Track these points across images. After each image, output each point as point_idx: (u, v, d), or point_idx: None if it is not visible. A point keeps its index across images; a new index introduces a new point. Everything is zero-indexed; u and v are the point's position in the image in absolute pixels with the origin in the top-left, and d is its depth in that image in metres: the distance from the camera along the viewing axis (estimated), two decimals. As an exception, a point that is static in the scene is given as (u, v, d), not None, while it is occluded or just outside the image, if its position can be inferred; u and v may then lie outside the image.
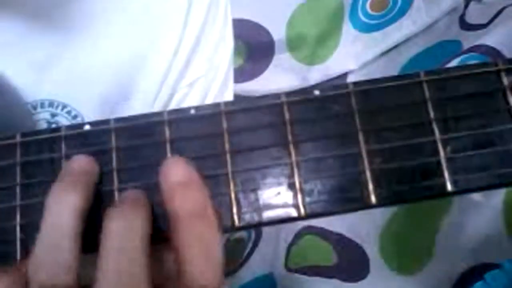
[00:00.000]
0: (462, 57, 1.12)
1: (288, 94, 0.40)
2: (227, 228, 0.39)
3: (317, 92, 0.40)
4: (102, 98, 0.65)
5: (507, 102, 0.39)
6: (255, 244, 1.18)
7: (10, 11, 0.59)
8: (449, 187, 0.37)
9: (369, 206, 0.38)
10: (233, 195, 0.39)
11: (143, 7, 0.66)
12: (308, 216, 0.38)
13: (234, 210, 0.39)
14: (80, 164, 0.41)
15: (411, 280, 0.99)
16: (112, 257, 0.37)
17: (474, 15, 1.30)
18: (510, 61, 0.39)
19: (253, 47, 1.39)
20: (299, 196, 0.39)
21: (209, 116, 0.41)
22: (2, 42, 0.60)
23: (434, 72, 0.39)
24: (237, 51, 1.30)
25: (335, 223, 1.11)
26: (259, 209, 0.39)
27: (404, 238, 1.04)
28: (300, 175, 0.39)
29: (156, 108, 0.68)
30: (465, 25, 1.30)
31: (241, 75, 1.36)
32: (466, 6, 1.35)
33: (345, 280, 1.04)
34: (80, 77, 0.64)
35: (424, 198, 0.38)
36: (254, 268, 1.14)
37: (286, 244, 1.12)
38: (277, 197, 0.39)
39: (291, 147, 0.39)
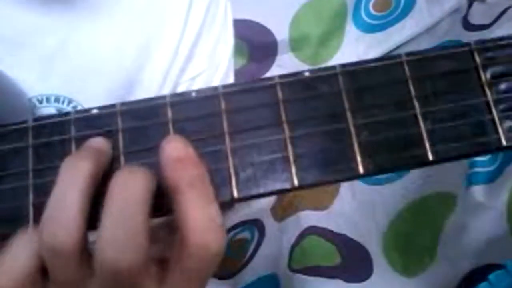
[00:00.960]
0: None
1: (281, 76, 0.43)
2: (228, 201, 0.42)
3: (307, 73, 0.43)
4: (107, 92, 0.67)
5: (480, 78, 0.42)
6: (258, 245, 1.18)
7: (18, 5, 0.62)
8: (430, 156, 0.40)
9: (357, 176, 0.41)
10: (232, 170, 0.42)
11: (146, 1, 0.69)
12: (301, 187, 0.41)
13: (233, 183, 0.42)
14: (97, 143, 0.43)
15: (415, 281, 0.98)
16: (115, 207, 0.39)
17: (477, 15, 1.30)
18: (482, 41, 0.43)
19: (256, 47, 1.39)
20: (293, 169, 0.42)
21: (209, 97, 0.44)
22: (10, 35, 0.62)
23: (414, 53, 0.43)
24: (239, 51, 1.30)
25: (338, 224, 1.11)
26: (256, 181, 0.42)
27: (407, 238, 1.03)
28: (293, 149, 0.42)
29: None
30: (468, 26, 1.31)
31: (244, 75, 1.37)
32: (469, 7, 1.35)
33: (348, 280, 1.04)
34: (85, 71, 0.66)
35: (407, 167, 0.42)
36: (257, 268, 1.13)
37: (289, 245, 1.11)
38: (272, 170, 0.42)
39: (285, 124, 0.42)
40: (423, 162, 0.40)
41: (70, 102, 0.65)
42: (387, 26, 1.43)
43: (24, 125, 0.45)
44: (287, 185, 0.41)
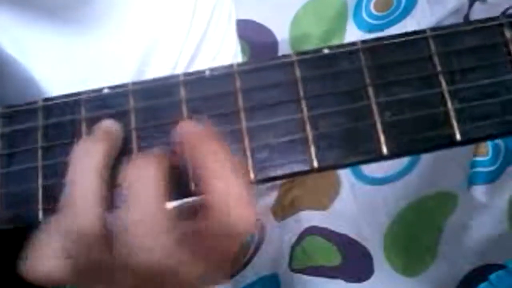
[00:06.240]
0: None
1: (299, 53, 0.42)
2: None
3: (326, 51, 0.42)
4: None
5: (509, 54, 0.40)
6: (259, 245, 1.17)
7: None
8: (457, 136, 0.39)
9: (381, 157, 0.39)
10: (248, 151, 0.41)
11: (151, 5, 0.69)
12: (321, 169, 0.40)
13: (250, 165, 0.40)
14: (109, 124, 0.42)
15: (415, 281, 0.98)
16: (131, 193, 0.38)
17: (478, 15, 1.30)
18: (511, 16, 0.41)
19: (257, 48, 1.38)
20: (312, 150, 0.40)
21: (223, 76, 0.42)
22: (26, 35, 0.62)
23: (439, 28, 0.41)
24: (240, 52, 1.30)
25: (339, 224, 1.11)
26: (273, 163, 0.40)
27: (408, 239, 1.03)
28: (312, 129, 0.40)
29: None
30: (469, 25, 1.30)
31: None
32: (470, 6, 1.35)
33: (349, 280, 1.03)
34: (99, 67, 0.66)
35: (434, 148, 0.39)
36: (257, 268, 1.13)
37: (290, 245, 1.11)
38: (290, 151, 0.40)
39: (303, 103, 0.41)
40: (450, 143, 0.39)
41: None
42: (388, 25, 1.42)
43: (34, 106, 0.44)
44: (306, 167, 0.40)
